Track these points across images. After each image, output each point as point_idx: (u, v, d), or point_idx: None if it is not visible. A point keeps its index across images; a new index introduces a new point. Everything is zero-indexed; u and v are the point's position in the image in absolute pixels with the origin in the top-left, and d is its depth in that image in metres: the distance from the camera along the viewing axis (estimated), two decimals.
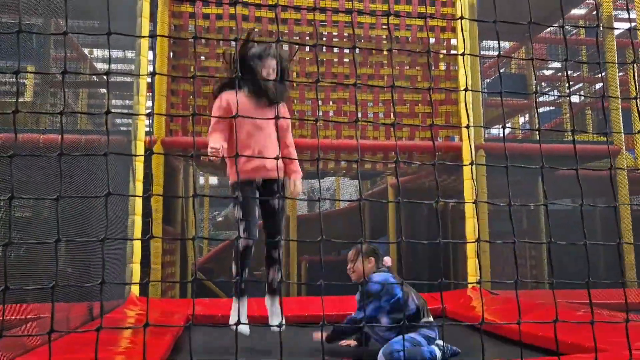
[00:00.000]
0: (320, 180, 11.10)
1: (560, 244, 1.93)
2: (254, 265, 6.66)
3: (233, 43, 4.39)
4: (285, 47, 4.77)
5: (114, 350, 2.57)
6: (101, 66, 9.06)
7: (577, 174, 1.91)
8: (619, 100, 6.81)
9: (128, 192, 4.59)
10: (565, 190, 6.78)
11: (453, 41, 6.01)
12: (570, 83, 10.89)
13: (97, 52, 9.31)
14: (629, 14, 2.99)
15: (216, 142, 2.86)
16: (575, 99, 10.39)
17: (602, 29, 6.60)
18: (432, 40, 5.93)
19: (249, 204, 2.89)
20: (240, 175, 2.86)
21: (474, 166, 1.82)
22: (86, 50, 8.88)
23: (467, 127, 1.87)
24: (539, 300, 4.18)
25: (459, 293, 4.81)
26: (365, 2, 5.87)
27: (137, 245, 4.62)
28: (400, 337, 2.70)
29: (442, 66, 6.00)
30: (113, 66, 8.18)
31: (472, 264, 5.12)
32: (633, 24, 8.23)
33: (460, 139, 5.70)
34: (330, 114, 5.83)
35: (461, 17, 1.88)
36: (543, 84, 11.49)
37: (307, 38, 5.88)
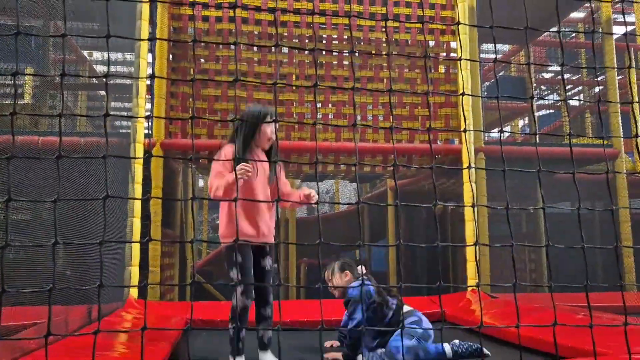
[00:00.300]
0: (320, 183, 11.05)
1: (560, 248, 1.93)
2: None
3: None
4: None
5: (111, 354, 2.57)
6: (101, 68, 9.06)
7: (574, 177, 1.91)
8: (618, 103, 6.82)
9: (127, 195, 4.59)
10: (565, 194, 6.77)
11: (453, 44, 5.99)
12: (570, 86, 10.92)
13: (96, 55, 9.31)
14: (624, 17, 2.99)
15: (239, 168, 2.82)
16: (575, 102, 10.40)
17: (599, 32, 6.61)
18: (432, 43, 5.92)
19: (247, 266, 2.91)
20: (240, 237, 2.85)
21: (472, 169, 1.82)
22: (86, 53, 8.87)
23: (464, 131, 1.87)
24: (538, 303, 4.18)
25: (458, 296, 4.81)
26: (365, 5, 5.87)
27: (136, 247, 4.62)
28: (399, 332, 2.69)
29: (442, 69, 6.00)
30: (112, 68, 8.18)
31: (471, 267, 5.12)
32: (631, 27, 8.24)
33: (460, 142, 5.70)
34: (330, 116, 5.82)
35: (458, 23, 1.88)
36: (543, 87, 11.50)
37: (307, 41, 5.88)
